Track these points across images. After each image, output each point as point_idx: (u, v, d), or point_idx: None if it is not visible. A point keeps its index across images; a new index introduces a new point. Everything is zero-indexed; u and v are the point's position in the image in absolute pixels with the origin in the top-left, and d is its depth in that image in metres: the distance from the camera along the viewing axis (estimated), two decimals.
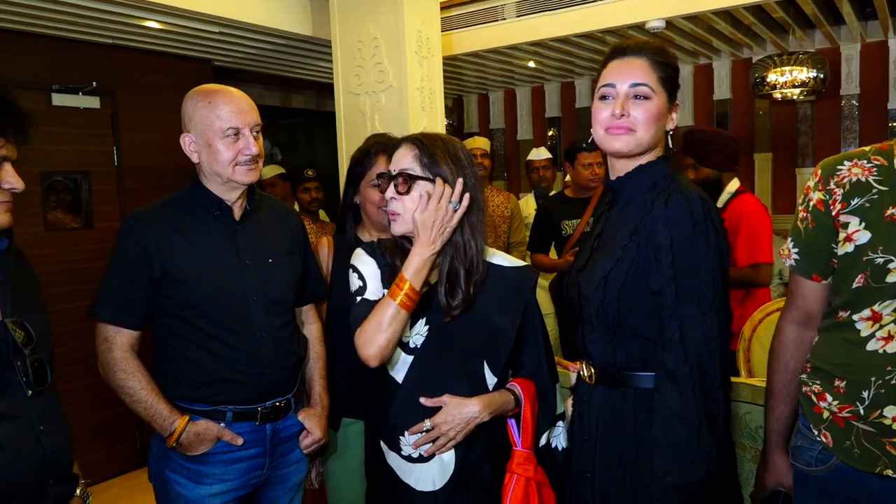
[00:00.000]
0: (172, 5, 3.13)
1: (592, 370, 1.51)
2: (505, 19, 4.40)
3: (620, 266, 1.40)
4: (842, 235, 1.36)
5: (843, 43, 5.32)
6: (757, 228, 2.86)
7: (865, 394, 1.32)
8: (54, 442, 1.31)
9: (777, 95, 4.82)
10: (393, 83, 3.33)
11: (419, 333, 1.56)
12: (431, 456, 1.53)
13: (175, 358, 1.72)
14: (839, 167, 1.38)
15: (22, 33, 3.58)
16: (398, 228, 1.55)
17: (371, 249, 1.65)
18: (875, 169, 1.34)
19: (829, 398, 1.38)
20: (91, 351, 1.74)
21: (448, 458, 1.54)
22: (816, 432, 1.40)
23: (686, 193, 1.36)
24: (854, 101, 5.42)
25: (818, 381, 1.42)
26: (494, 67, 5.50)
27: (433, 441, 1.52)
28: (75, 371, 3.15)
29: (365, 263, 1.62)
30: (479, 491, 1.58)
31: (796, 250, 1.47)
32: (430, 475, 1.53)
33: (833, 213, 1.37)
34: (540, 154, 4.72)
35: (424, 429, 1.52)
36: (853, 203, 1.34)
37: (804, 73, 4.66)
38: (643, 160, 1.46)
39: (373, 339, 1.48)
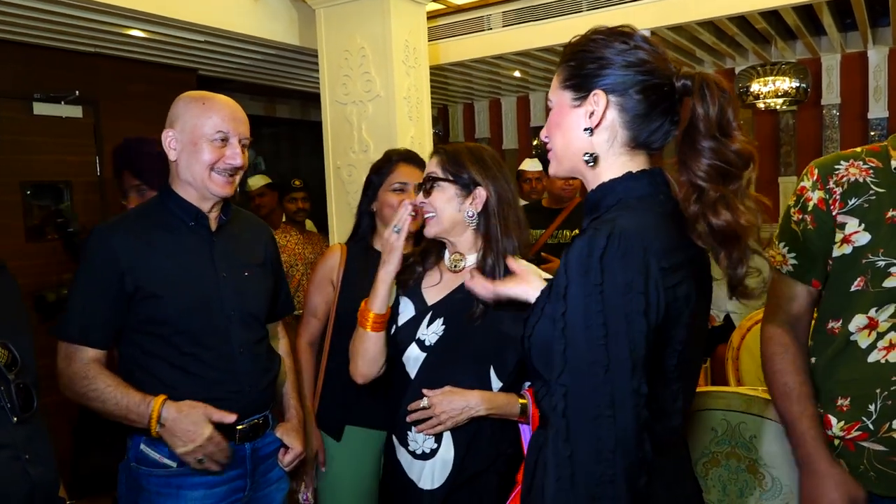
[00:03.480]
0: (157, 14, 3.09)
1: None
2: (491, 29, 4.42)
3: (538, 304, 1.17)
4: (839, 236, 1.33)
5: (823, 53, 5.40)
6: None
7: (872, 407, 1.29)
8: (41, 471, 1.24)
9: (760, 105, 4.87)
10: (380, 92, 3.32)
11: (435, 332, 1.60)
12: (434, 453, 1.57)
13: (147, 379, 1.61)
14: (836, 166, 1.35)
15: (3, 41, 3.53)
16: (430, 231, 1.64)
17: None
18: (871, 171, 1.32)
19: (834, 421, 1.34)
20: (50, 370, 1.61)
21: (448, 457, 1.57)
22: None
23: (602, 231, 1.02)
24: (835, 111, 5.50)
25: (819, 403, 1.38)
26: (480, 77, 5.51)
27: (426, 421, 1.57)
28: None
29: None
30: (484, 498, 1.58)
31: (793, 255, 1.39)
32: (431, 472, 1.57)
33: (833, 213, 1.33)
34: (533, 165, 4.60)
35: (422, 405, 1.57)
36: (851, 203, 1.32)
37: (787, 83, 4.72)
38: (607, 176, 1.14)
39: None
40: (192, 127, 1.61)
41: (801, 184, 1.39)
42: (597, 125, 1.12)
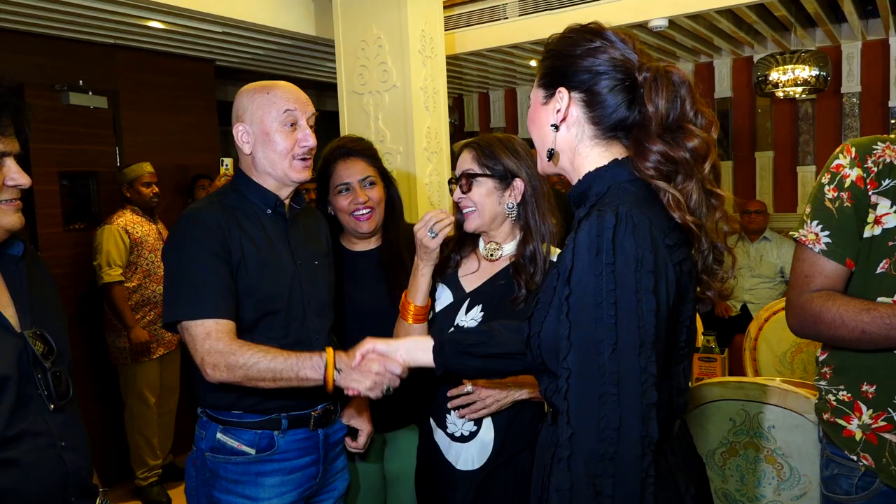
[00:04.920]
0: (175, 5, 3.11)
1: None
2: (507, 18, 4.39)
3: (544, 300, 1.17)
4: (871, 217, 1.33)
5: (843, 41, 5.32)
6: None
7: None
8: (76, 457, 1.27)
9: (779, 94, 4.82)
10: (397, 83, 3.32)
11: (474, 319, 1.63)
12: (473, 435, 1.60)
13: None
14: (874, 146, 1.36)
15: (27, 34, 3.57)
16: (470, 225, 1.66)
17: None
18: None
19: (864, 408, 1.34)
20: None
21: (488, 439, 1.60)
22: (856, 458, 1.35)
23: (608, 210, 1.01)
24: (855, 99, 5.42)
25: (842, 386, 1.38)
26: (496, 66, 5.49)
27: (469, 405, 1.59)
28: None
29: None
30: (520, 478, 1.59)
31: (827, 233, 1.36)
32: (470, 454, 1.60)
33: (869, 192, 1.33)
34: None
35: (465, 391, 1.59)
36: (884, 184, 1.32)
37: (806, 72, 4.67)
38: (589, 166, 1.15)
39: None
40: (260, 117, 1.62)
41: (837, 161, 1.38)
42: (562, 121, 1.14)
